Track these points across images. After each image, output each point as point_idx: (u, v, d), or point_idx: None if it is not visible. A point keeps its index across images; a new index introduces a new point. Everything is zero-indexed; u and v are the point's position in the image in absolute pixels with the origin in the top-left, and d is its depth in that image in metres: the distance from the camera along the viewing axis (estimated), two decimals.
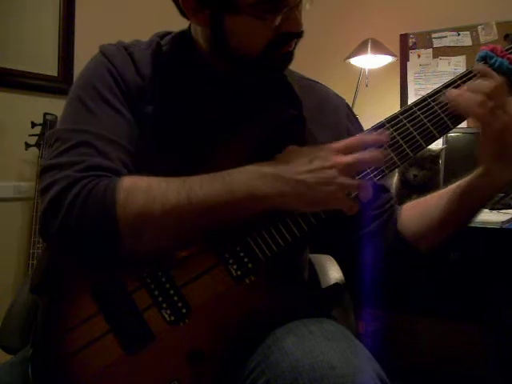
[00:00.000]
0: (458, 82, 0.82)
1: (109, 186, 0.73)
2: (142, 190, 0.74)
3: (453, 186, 0.87)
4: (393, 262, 0.90)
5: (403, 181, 1.81)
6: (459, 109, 0.79)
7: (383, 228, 0.91)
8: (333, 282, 1.02)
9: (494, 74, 0.80)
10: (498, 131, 0.77)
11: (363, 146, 0.76)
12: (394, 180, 1.85)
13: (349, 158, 0.74)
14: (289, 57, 0.85)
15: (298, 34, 0.82)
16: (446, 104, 0.80)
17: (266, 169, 0.74)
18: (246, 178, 0.74)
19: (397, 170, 1.85)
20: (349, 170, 0.74)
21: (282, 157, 0.76)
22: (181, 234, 0.75)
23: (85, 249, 0.74)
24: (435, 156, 1.79)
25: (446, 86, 0.82)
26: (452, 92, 0.80)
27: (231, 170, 0.75)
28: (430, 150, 1.77)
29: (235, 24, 0.79)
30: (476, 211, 0.87)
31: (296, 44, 0.84)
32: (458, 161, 1.97)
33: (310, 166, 0.73)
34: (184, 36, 0.91)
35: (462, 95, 0.78)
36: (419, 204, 0.93)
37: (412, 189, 1.76)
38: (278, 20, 0.78)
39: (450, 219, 0.86)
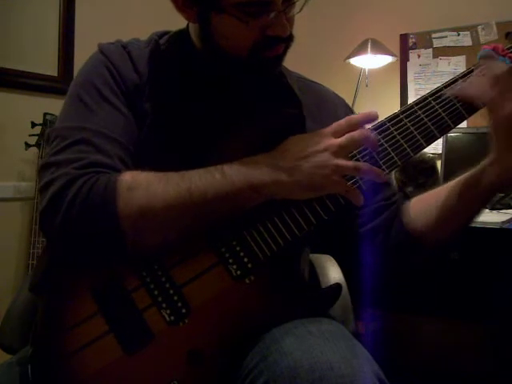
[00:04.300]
0: (460, 80, 0.81)
1: (109, 182, 0.73)
2: (142, 186, 0.74)
3: (460, 178, 0.84)
4: (396, 258, 0.88)
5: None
6: (468, 94, 0.77)
7: (390, 221, 0.89)
8: (332, 282, 1.01)
9: (499, 61, 0.78)
10: (508, 116, 0.74)
11: (353, 126, 0.77)
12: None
13: (340, 139, 0.75)
14: (277, 60, 0.85)
15: (285, 39, 0.82)
16: (447, 103, 0.80)
17: (263, 158, 0.76)
18: (244, 168, 0.75)
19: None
20: (342, 151, 0.75)
21: (280, 146, 0.77)
22: (183, 228, 0.75)
23: (87, 246, 0.74)
24: (428, 168, 1.74)
25: (446, 85, 0.81)
26: (460, 85, 0.78)
27: (230, 162, 0.76)
28: (422, 162, 1.72)
29: (220, 23, 0.80)
30: (479, 206, 0.83)
31: (287, 48, 0.84)
32: (458, 161, 1.97)
33: (305, 152, 0.75)
34: (182, 34, 0.91)
35: (471, 82, 0.77)
36: (426, 198, 0.90)
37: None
38: (261, 23, 0.77)
39: (453, 214, 0.84)
